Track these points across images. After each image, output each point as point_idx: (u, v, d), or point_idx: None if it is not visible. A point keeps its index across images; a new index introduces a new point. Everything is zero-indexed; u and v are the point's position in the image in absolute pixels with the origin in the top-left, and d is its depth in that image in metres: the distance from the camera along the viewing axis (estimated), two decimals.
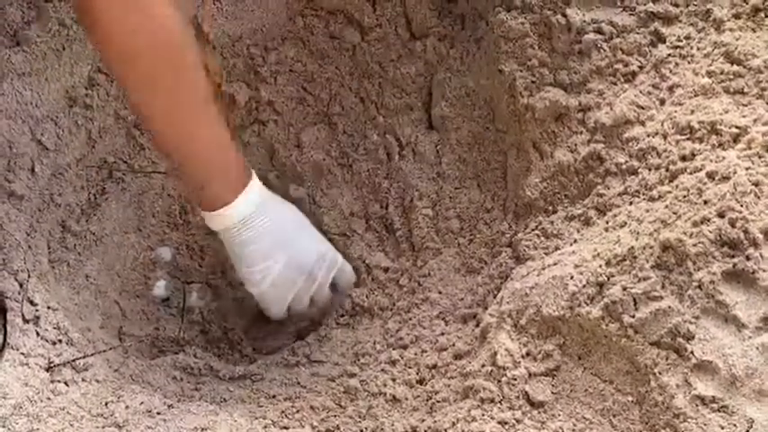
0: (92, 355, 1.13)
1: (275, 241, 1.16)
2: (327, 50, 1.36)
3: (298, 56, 1.37)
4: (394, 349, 1.18)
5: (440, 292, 1.22)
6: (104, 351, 1.16)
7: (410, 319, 1.21)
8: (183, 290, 1.33)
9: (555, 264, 1.07)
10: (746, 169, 0.97)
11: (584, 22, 1.17)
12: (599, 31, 1.17)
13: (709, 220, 0.94)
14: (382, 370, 1.16)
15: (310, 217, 1.29)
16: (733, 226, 0.92)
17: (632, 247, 0.98)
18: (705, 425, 0.87)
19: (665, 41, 1.14)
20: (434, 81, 1.32)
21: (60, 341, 1.13)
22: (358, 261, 1.30)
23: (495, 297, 1.14)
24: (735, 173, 0.97)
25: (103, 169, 1.31)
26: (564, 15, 1.18)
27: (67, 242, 1.27)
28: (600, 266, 1.00)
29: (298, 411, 1.10)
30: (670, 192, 1.02)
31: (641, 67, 1.14)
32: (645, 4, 1.16)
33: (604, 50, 1.16)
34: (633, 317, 0.94)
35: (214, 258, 1.36)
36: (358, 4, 1.34)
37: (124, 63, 1.00)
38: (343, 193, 1.34)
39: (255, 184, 1.14)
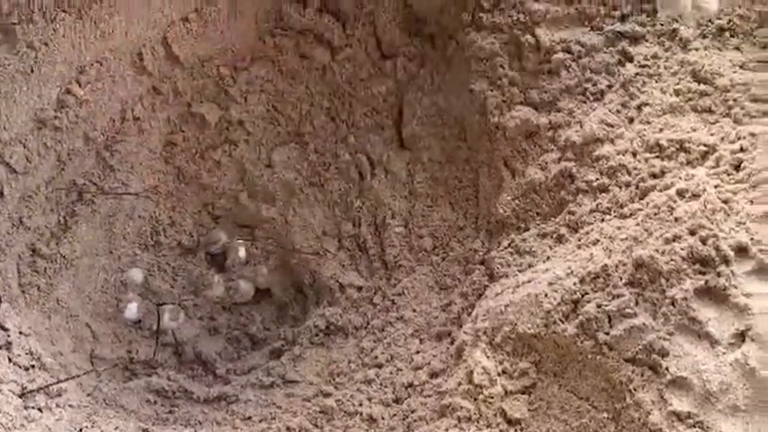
0: (65, 380, 1.11)
1: None
2: (298, 70, 1.37)
3: (268, 75, 1.37)
4: (369, 368, 1.18)
5: (414, 311, 1.23)
6: (77, 376, 1.15)
7: (385, 337, 1.22)
8: (155, 312, 1.32)
9: (529, 281, 1.08)
10: (716, 187, 0.98)
11: (553, 41, 1.18)
12: (568, 51, 1.18)
13: (680, 238, 0.96)
14: (358, 389, 1.16)
15: (282, 236, 1.29)
16: (704, 243, 0.94)
17: (606, 265, 0.99)
18: None
19: (632, 60, 1.15)
20: (405, 100, 1.33)
21: (33, 367, 1.11)
22: (331, 280, 1.30)
23: (469, 315, 1.15)
24: (704, 190, 0.98)
25: (73, 191, 1.30)
26: (533, 35, 1.19)
27: (38, 266, 1.25)
28: (574, 284, 1.01)
29: None
30: (641, 209, 1.04)
31: (610, 86, 1.16)
32: (612, 24, 1.18)
33: (573, 70, 1.18)
34: (608, 334, 0.95)
35: (186, 279, 1.35)
36: (327, 24, 1.35)
37: None
38: (315, 213, 1.34)
39: None
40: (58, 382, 1.10)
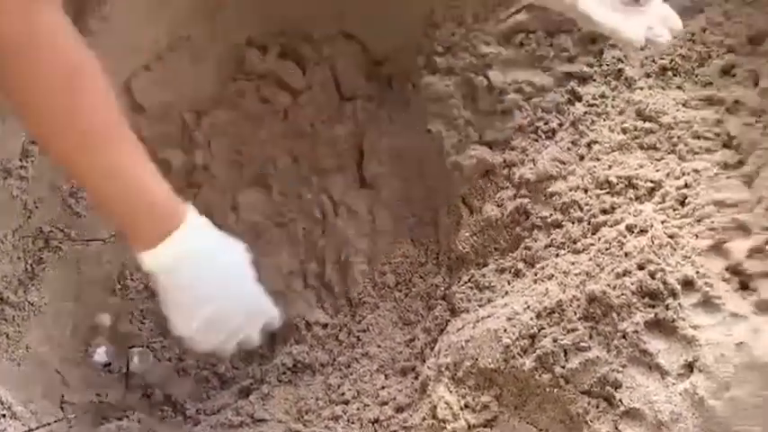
0: (36, 429, 1.13)
1: (205, 290, 1.00)
2: (260, 113, 1.40)
3: (231, 120, 1.40)
4: (336, 405, 1.21)
5: (379, 346, 1.26)
6: (48, 424, 1.16)
7: (351, 373, 1.25)
8: (124, 355, 1.33)
9: (488, 316, 1.12)
10: (662, 222, 1.03)
11: (505, 83, 1.23)
12: (519, 91, 1.23)
13: (630, 273, 1.00)
14: (326, 426, 1.18)
15: None
16: (653, 277, 0.98)
17: (560, 300, 1.03)
18: None
19: (581, 100, 1.20)
20: (365, 141, 1.36)
21: (4, 416, 1.13)
22: (297, 318, 1.32)
23: (432, 350, 1.18)
24: (652, 226, 1.03)
25: (40, 239, 1.32)
26: (486, 77, 1.24)
27: (6, 313, 1.27)
28: (531, 319, 1.05)
29: None
30: (593, 244, 1.08)
31: (561, 125, 1.20)
32: (561, 65, 1.22)
33: (526, 109, 1.22)
34: (564, 367, 0.99)
35: (154, 322, 1.37)
36: (288, 68, 1.38)
37: (19, 88, 0.87)
38: (281, 253, 1.37)
39: (191, 223, 0.99)
40: (29, 431, 1.12)
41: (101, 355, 1.33)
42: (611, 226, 1.08)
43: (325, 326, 1.31)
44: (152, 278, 0.99)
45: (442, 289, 1.25)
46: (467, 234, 1.23)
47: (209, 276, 1.00)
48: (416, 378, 1.18)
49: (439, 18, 1.26)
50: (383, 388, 1.20)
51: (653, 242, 1.01)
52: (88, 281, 1.36)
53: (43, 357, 1.28)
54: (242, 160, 1.40)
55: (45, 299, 1.30)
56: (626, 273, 1.00)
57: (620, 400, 0.94)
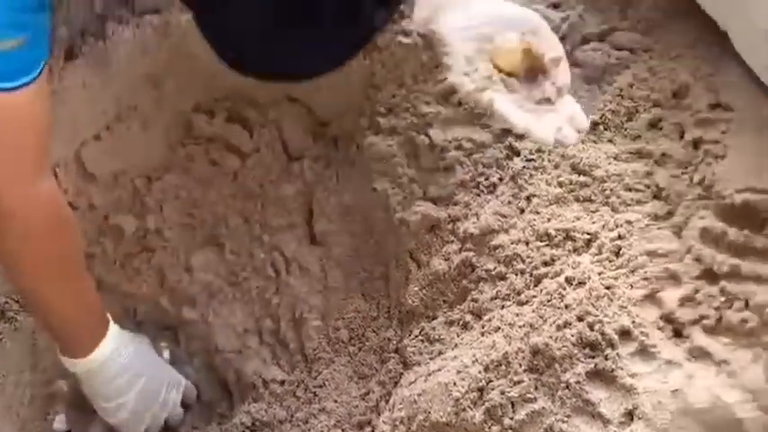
0: None
1: (128, 378, 1.25)
2: (209, 176, 1.43)
3: (181, 183, 1.43)
4: None
5: (335, 401, 1.29)
6: None
7: (309, 429, 1.27)
8: (84, 421, 1.35)
9: (439, 369, 1.16)
10: (599, 274, 1.08)
11: (446, 140, 1.27)
12: (460, 148, 1.28)
13: (570, 324, 1.04)
14: None
15: (205, 338, 1.35)
16: (591, 329, 1.02)
17: (507, 353, 1.07)
18: None
19: (519, 155, 1.25)
20: (314, 199, 1.40)
21: None
22: (254, 376, 1.35)
23: (387, 403, 1.21)
24: (589, 278, 1.07)
25: None
26: (427, 136, 1.28)
27: None
28: (479, 372, 1.09)
29: None
30: (536, 296, 1.13)
31: (501, 179, 1.25)
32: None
33: (467, 165, 1.27)
34: (512, 419, 1.03)
35: None
36: (235, 131, 1.41)
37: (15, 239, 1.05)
38: (235, 312, 1.39)
39: (112, 332, 1.23)
40: None
41: (60, 422, 1.34)
42: (552, 278, 1.12)
43: (282, 383, 1.34)
44: (81, 378, 1.24)
45: (395, 342, 1.28)
46: (416, 288, 1.27)
47: (134, 361, 1.25)
48: None
49: (380, 81, 1.30)
50: None
51: (591, 294, 1.05)
52: (44, 348, 1.37)
53: (2, 429, 1.29)
54: (194, 222, 1.43)
55: (2, 371, 1.31)
56: (566, 324, 1.04)
57: None
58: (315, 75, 0.84)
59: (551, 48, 1.08)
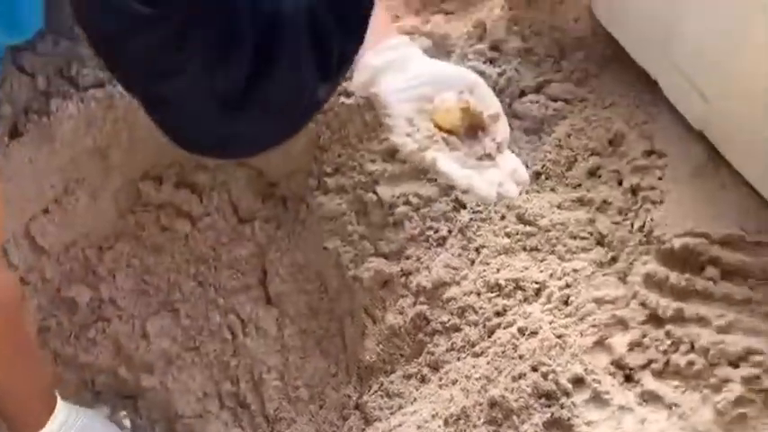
0: None
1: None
2: (161, 242, 1.43)
3: (133, 251, 1.43)
4: None
5: None
6: None
7: None
8: None
9: (400, 425, 1.17)
10: (550, 323, 1.11)
11: (394, 197, 1.30)
12: (408, 204, 1.30)
13: (525, 375, 1.07)
14: None
15: (165, 404, 1.35)
16: (546, 379, 1.05)
17: (465, 406, 1.10)
18: None
19: (465, 207, 1.28)
20: (267, 260, 1.41)
21: None
22: None
23: None
24: (541, 327, 1.10)
25: None
26: (375, 193, 1.31)
27: None
28: (439, 426, 1.11)
29: None
30: (490, 347, 1.15)
31: (450, 232, 1.28)
32: None
33: (416, 220, 1.29)
34: None
35: None
36: (185, 196, 1.42)
37: None
38: (194, 376, 1.40)
39: (60, 408, 1.20)
40: None
41: None
42: (505, 328, 1.15)
43: None
44: None
45: (355, 399, 1.30)
46: (372, 343, 1.29)
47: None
48: None
49: (325, 142, 1.33)
50: None
51: (543, 344, 1.08)
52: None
53: None
54: (148, 289, 1.43)
55: None
56: (521, 376, 1.07)
57: None
58: (265, 150, 0.86)
59: (489, 104, 1.11)
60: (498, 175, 1.08)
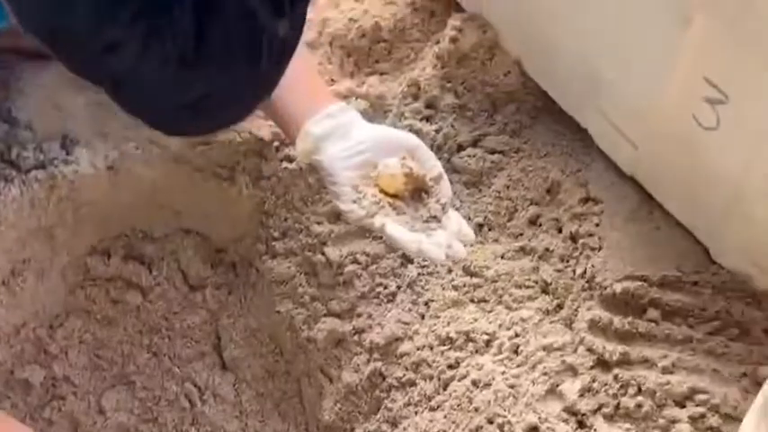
0: None
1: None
2: (113, 315, 1.43)
3: (85, 326, 1.43)
4: None
5: None
6: None
7: None
8: None
9: None
10: (502, 373, 1.13)
11: (342, 256, 1.32)
12: (356, 262, 1.32)
13: (482, 428, 1.09)
14: None
15: None
16: (502, 430, 1.07)
17: None
18: None
19: (412, 262, 1.30)
20: (220, 326, 1.42)
21: None
22: None
23: None
24: (494, 379, 1.13)
25: None
26: (323, 254, 1.32)
27: None
28: None
29: None
30: (446, 400, 1.17)
31: (399, 287, 1.30)
32: None
33: (365, 278, 1.32)
34: None
35: None
36: (133, 268, 1.43)
37: None
38: None
39: None
40: None
41: None
42: (459, 380, 1.17)
43: None
44: None
45: None
46: (330, 403, 1.30)
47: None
48: None
49: (270, 207, 1.34)
50: None
51: (497, 395, 1.11)
52: None
53: None
54: (102, 364, 1.43)
55: None
56: (478, 429, 1.09)
57: None
58: (241, 113, 0.86)
59: (431, 167, 1.15)
60: (445, 236, 1.12)
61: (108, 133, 1.32)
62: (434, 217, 1.12)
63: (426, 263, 1.29)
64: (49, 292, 1.41)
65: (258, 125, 1.34)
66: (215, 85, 0.77)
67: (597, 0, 1.11)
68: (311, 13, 1.41)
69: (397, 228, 1.10)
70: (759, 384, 1.03)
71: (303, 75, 1.20)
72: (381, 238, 1.32)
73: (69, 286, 1.43)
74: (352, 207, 1.11)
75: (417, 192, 1.14)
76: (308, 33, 1.40)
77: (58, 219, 1.34)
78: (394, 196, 1.13)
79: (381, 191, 1.12)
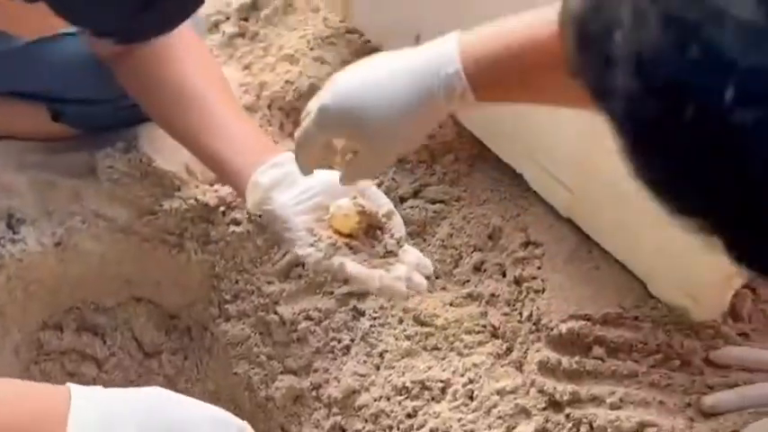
0: None
1: None
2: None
3: None
4: None
5: None
6: None
7: None
8: None
9: None
10: (459, 420, 1.17)
11: (294, 314, 1.34)
12: (309, 318, 1.34)
13: None
14: None
15: None
16: None
17: None
18: None
19: (364, 315, 1.33)
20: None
21: None
22: None
23: None
24: (451, 426, 1.16)
25: None
26: (276, 313, 1.35)
27: None
28: None
29: None
30: None
31: (352, 340, 1.32)
32: (340, 287, 1.35)
33: (318, 333, 1.34)
34: None
35: None
36: (87, 340, 1.43)
37: None
38: None
39: None
40: None
41: None
42: (418, 430, 1.20)
43: None
44: None
45: None
46: None
47: None
48: None
49: (220, 271, 1.36)
50: None
51: None
52: None
53: None
54: None
55: None
56: None
57: None
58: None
59: (382, 203, 1.17)
60: (404, 269, 1.14)
61: (53, 210, 1.33)
62: (391, 252, 1.14)
63: (377, 314, 1.32)
64: (3, 371, 1.40)
65: (203, 191, 1.36)
66: None
67: None
68: (248, 78, 1.47)
69: (356, 266, 1.11)
70: (703, 413, 1.09)
71: (247, 132, 1.23)
72: (332, 293, 1.35)
73: (23, 363, 1.43)
74: (309, 251, 1.12)
75: (371, 229, 1.15)
76: (247, 97, 1.43)
77: (8, 297, 1.34)
78: (349, 236, 1.14)
79: (336, 232, 1.14)
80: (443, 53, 0.92)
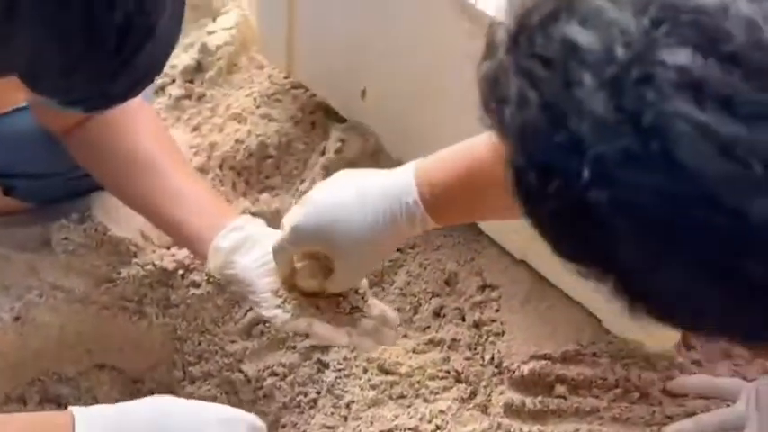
0: None
1: None
2: None
3: None
4: None
5: None
6: None
7: None
8: None
9: None
10: None
11: (259, 371, 1.35)
12: (274, 374, 1.35)
13: None
14: None
15: None
16: None
17: None
18: None
19: (329, 367, 1.35)
20: None
21: None
22: None
23: None
24: None
25: None
26: (240, 371, 1.36)
27: None
28: None
29: None
30: None
31: (319, 393, 1.34)
32: (302, 341, 1.36)
33: (284, 388, 1.35)
34: None
35: None
36: (49, 412, 1.42)
37: None
38: None
39: None
40: None
41: None
42: None
43: None
44: None
45: None
46: None
47: None
48: None
49: (182, 333, 1.36)
50: None
51: None
52: None
53: None
54: None
55: None
56: None
57: None
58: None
59: None
60: (371, 324, 1.15)
61: (10, 285, 1.32)
62: (356, 307, 1.15)
63: (342, 366, 1.34)
64: None
65: (160, 255, 1.36)
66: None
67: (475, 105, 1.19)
68: (197, 139, 1.48)
69: (323, 325, 1.13)
70: None
71: (201, 194, 1.24)
72: (295, 347, 1.37)
73: None
74: (276, 312, 1.13)
75: None
76: (197, 159, 1.44)
77: None
78: (314, 295, 1.15)
79: (301, 292, 1.15)
80: (403, 181, 1.01)
